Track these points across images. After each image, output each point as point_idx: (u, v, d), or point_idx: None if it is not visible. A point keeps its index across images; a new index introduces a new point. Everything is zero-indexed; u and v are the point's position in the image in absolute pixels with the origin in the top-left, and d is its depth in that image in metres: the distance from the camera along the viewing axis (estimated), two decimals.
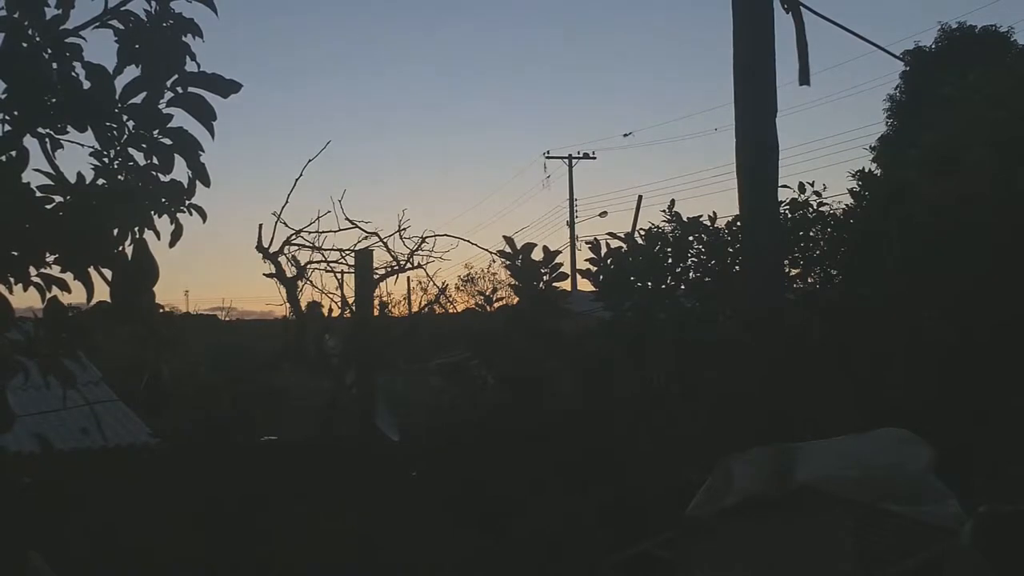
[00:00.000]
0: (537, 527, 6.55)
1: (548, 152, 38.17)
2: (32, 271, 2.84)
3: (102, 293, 2.93)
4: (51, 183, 2.89)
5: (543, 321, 7.88)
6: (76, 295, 2.91)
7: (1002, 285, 7.16)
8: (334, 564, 6.31)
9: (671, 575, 5.16)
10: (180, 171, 3.01)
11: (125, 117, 2.91)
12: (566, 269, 8.35)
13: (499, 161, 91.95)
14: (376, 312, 7.88)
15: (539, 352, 7.81)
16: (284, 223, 7.61)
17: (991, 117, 7.89)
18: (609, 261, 8.69)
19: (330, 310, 7.99)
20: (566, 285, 8.43)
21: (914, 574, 4.28)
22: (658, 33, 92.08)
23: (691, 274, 8.99)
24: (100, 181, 2.93)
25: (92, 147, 2.92)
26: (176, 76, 2.94)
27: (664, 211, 9.39)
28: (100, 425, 6.10)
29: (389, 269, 8.03)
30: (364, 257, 6.98)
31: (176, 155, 2.97)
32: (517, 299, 8.18)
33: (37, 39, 2.83)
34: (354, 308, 7.29)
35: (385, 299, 9.04)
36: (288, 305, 7.82)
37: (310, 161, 7.70)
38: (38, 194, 2.85)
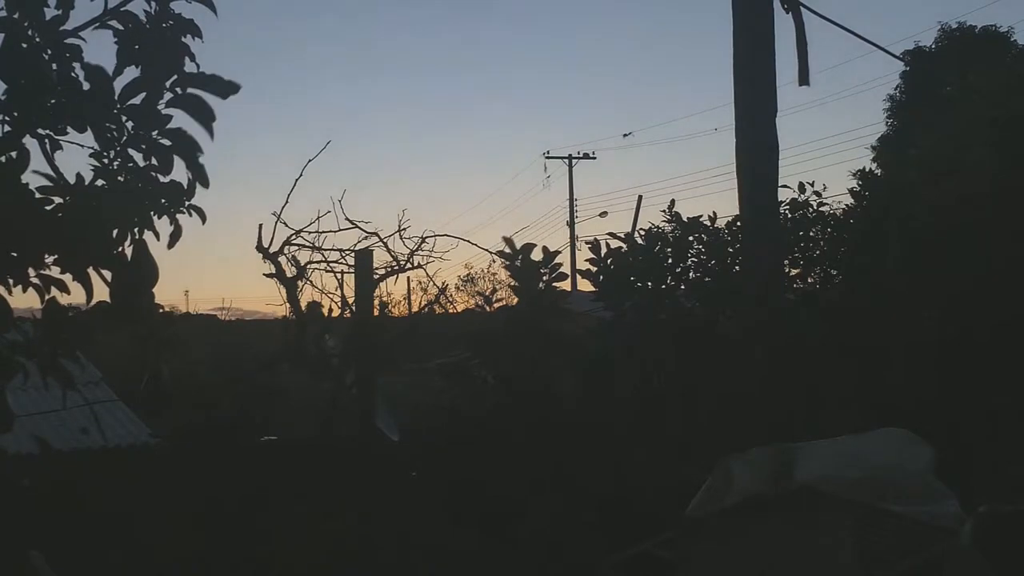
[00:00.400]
0: (537, 527, 6.55)
1: (548, 152, 38.22)
2: (31, 272, 2.84)
3: (102, 294, 2.94)
4: (51, 184, 2.88)
5: (543, 321, 7.88)
6: (76, 296, 2.91)
7: (1002, 285, 7.17)
8: (334, 564, 6.31)
9: (671, 575, 5.16)
10: (179, 172, 3.00)
11: (124, 118, 2.91)
12: (566, 269, 8.35)
13: (499, 161, 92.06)
14: (376, 312, 7.88)
15: (539, 352, 7.81)
16: (284, 223, 7.61)
17: (991, 117, 7.90)
18: (609, 261, 8.69)
19: (330, 310, 7.99)
20: (566, 285, 8.43)
21: (914, 574, 4.28)
22: (658, 33, 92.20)
23: (691, 274, 8.99)
24: (100, 182, 2.93)
25: (92, 148, 2.92)
26: (175, 77, 2.94)
27: (664, 211, 9.40)
28: (100, 425, 6.10)
29: (389, 269, 8.03)
30: (364, 257, 6.98)
31: (175, 156, 2.96)
32: (517, 299, 8.19)
33: (37, 39, 2.82)
34: (354, 308, 7.29)
35: (385, 299, 9.05)
36: (288, 305, 7.82)
37: (310, 161, 7.70)
38: (38, 195, 2.85)
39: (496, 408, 7.72)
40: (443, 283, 10.43)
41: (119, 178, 2.95)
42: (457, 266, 37.92)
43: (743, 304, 8.27)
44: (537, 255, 7.96)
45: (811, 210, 9.21)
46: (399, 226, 8.02)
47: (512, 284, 8.22)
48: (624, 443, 7.36)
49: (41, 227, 2.82)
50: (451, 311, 10.22)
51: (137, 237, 2.95)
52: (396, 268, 8.03)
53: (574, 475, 6.98)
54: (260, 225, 7.61)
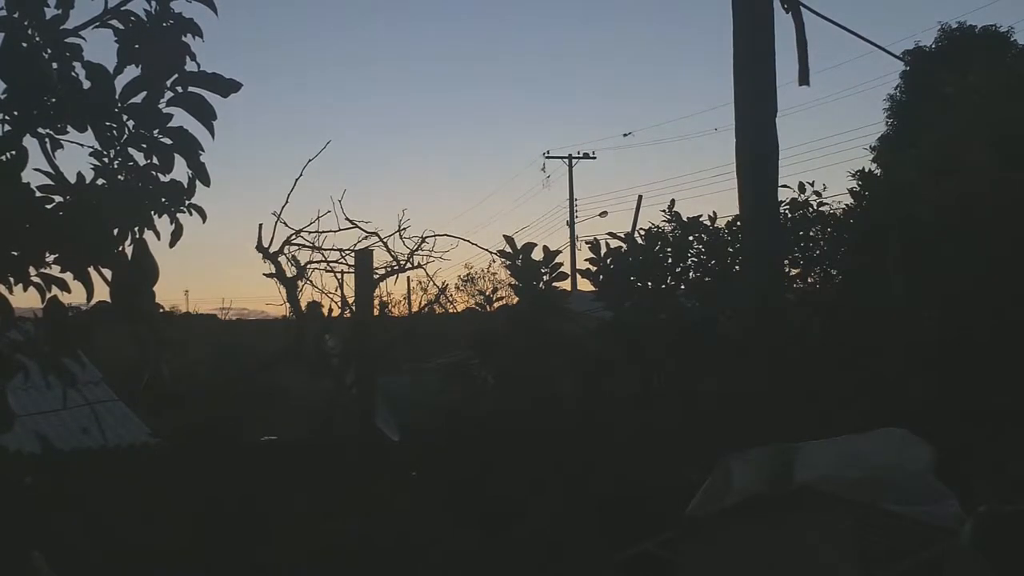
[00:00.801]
0: (537, 527, 6.55)
1: (548, 152, 38.14)
2: (32, 271, 2.84)
3: (102, 293, 2.93)
4: (51, 183, 2.88)
5: (543, 321, 7.89)
6: (76, 295, 2.91)
7: (1002, 285, 7.17)
8: (334, 564, 6.31)
9: (671, 575, 5.16)
10: (180, 171, 3.00)
11: (125, 117, 2.91)
12: (566, 269, 8.36)
13: (499, 161, 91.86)
14: (376, 312, 7.89)
15: (539, 352, 7.81)
16: (284, 223, 7.64)
17: (991, 117, 7.90)
18: (609, 261, 8.69)
19: (330, 310, 8.01)
20: (566, 285, 8.44)
21: (914, 574, 4.28)
22: (658, 33, 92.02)
23: (691, 274, 9.00)
24: (100, 181, 2.93)
25: (92, 147, 2.92)
26: (176, 76, 2.94)
27: (664, 211, 9.41)
28: (100, 425, 6.10)
29: (389, 269, 8.05)
30: (364, 257, 7.00)
31: (176, 155, 2.96)
32: (517, 299, 8.19)
33: (37, 39, 2.82)
34: (354, 308, 7.30)
35: (385, 299, 9.06)
36: (288, 305, 7.83)
37: (310, 161, 7.73)
38: (38, 194, 2.85)
39: (496, 408, 7.72)
40: (443, 283, 10.47)
41: (120, 177, 2.95)
42: (457, 266, 37.95)
43: (743, 304, 8.26)
44: (538, 255, 7.97)
45: (811, 210, 9.22)
46: (399, 226, 8.05)
47: (512, 284, 8.23)
48: (624, 443, 7.36)
49: (42, 226, 2.82)
50: (451, 311, 10.23)
51: (138, 236, 2.95)
52: (396, 268, 8.05)
53: (574, 475, 6.98)
54: (260, 225, 7.63)
